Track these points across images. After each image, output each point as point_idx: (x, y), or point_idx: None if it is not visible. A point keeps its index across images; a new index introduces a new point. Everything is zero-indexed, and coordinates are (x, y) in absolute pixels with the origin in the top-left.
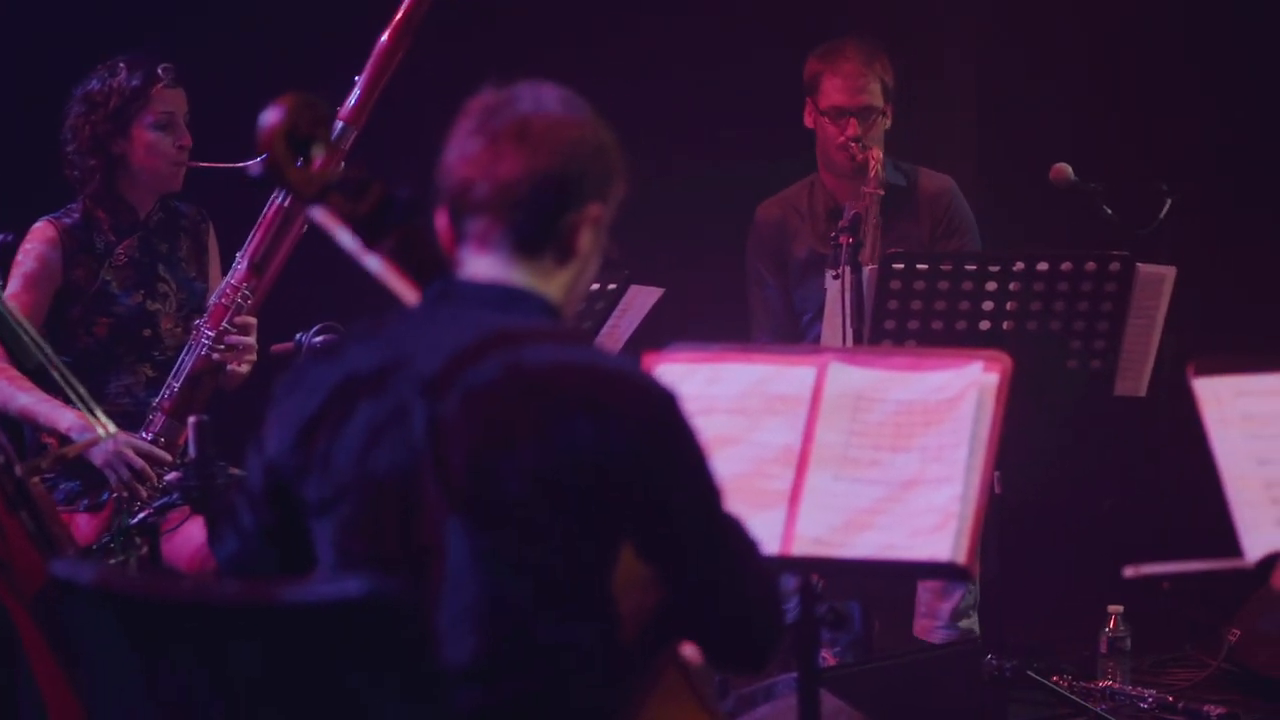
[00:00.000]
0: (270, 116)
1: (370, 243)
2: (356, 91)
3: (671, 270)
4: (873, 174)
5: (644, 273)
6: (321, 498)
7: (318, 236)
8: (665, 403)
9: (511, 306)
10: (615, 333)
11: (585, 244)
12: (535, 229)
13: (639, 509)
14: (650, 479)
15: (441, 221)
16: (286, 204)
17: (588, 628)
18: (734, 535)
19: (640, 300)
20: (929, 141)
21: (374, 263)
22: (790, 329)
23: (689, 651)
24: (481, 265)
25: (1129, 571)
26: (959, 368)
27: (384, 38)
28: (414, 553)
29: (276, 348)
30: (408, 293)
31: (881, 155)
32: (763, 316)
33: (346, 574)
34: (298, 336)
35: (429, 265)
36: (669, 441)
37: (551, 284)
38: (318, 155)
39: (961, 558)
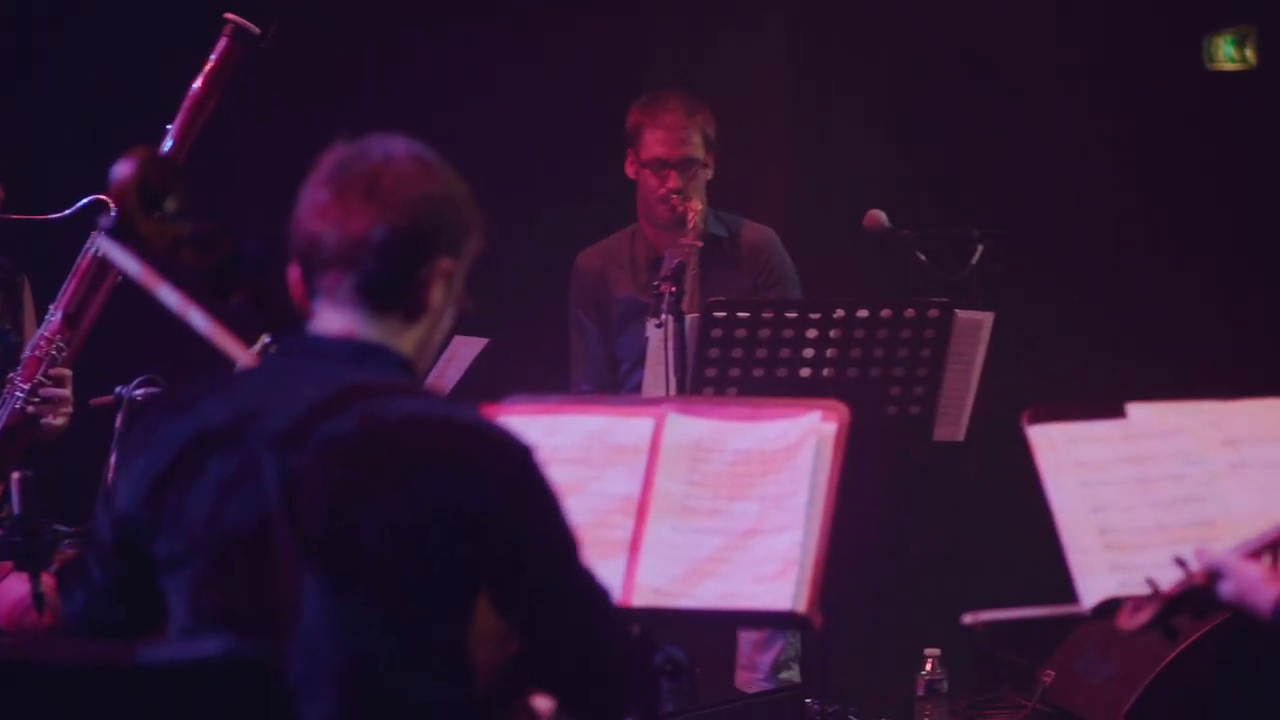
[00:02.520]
0: (122, 170)
1: (220, 296)
2: (170, 140)
3: (494, 320)
4: (691, 225)
5: (467, 323)
6: (173, 554)
7: (135, 287)
8: (522, 455)
9: (364, 361)
10: (440, 383)
11: (437, 299)
12: (385, 284)
13: (497, 562)
14: (508, 532)
15: (294, 275)
16: (99, 254)
17: (445, 683)
18: (589, 586)
19: (465, 351)
20: (741, 191)
21: (198, 319)
22: (610, 376)
23: (540, 704)
24: (333, 319)
25: (968, 618)
26: (797, 417)
27: (197, 84)
28: (268, 609)
29: (95, 401)
30: (235, 349)
31: (701, 207)
32: (583, 363)
33: (203, 633)
34: (117, 389)
35: (280, 319)
36: (526, 494)
37: (404, 339)
38: (170, 208)
39: (802, 606)
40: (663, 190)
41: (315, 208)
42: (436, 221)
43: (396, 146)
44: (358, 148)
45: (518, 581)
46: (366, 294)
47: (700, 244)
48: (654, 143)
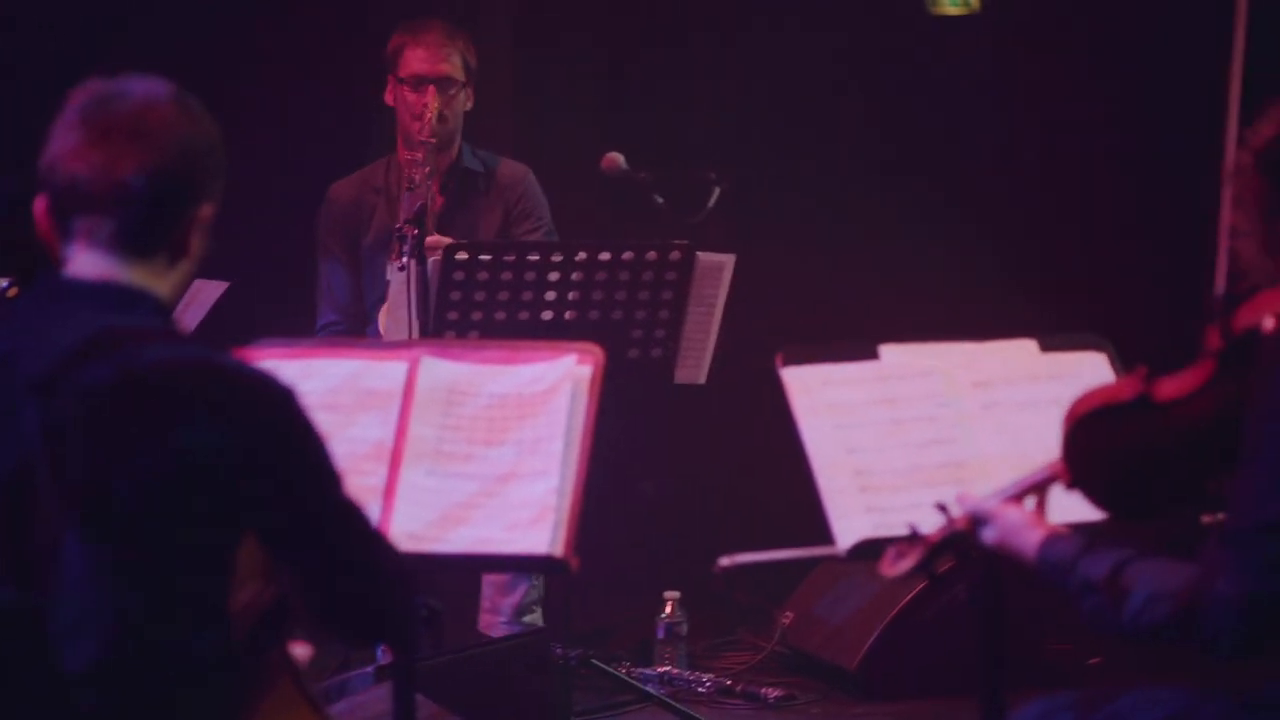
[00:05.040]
0: None
1: None
2: None
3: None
4: (427, 120)
5: (206, 266)
6: None
7: None
8: (283, 397)
9: (124, 306)
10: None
11: (196, 244)
12: (148, 229)
13: (262, 503)
14: (272, 473)
15: (42, 215)
16: None
17: (204, 632)
18: (358, 518)
19: (205, 294)
20: (469, 136)
21: None
22: (357, 310)
23: (298, 651)
24: (90, 263)
25: (724, 561)
26: (552, 360)
27: None
28: (28, 558)
29: None
30: None
31: (450, 115)
32: (331, 296)
33: None
34: None
35: (28, 260)
36: (290, 436)
37: (163, 283)
38: None
39: (559, 550)
40: (419, 107)
41: (74, 148)
42: (199, 166)
43: (158, 88)
44: (117, 87)
45: (286, 520)
46: (128, 238)
47: (434, 141)
48: (414, 60)
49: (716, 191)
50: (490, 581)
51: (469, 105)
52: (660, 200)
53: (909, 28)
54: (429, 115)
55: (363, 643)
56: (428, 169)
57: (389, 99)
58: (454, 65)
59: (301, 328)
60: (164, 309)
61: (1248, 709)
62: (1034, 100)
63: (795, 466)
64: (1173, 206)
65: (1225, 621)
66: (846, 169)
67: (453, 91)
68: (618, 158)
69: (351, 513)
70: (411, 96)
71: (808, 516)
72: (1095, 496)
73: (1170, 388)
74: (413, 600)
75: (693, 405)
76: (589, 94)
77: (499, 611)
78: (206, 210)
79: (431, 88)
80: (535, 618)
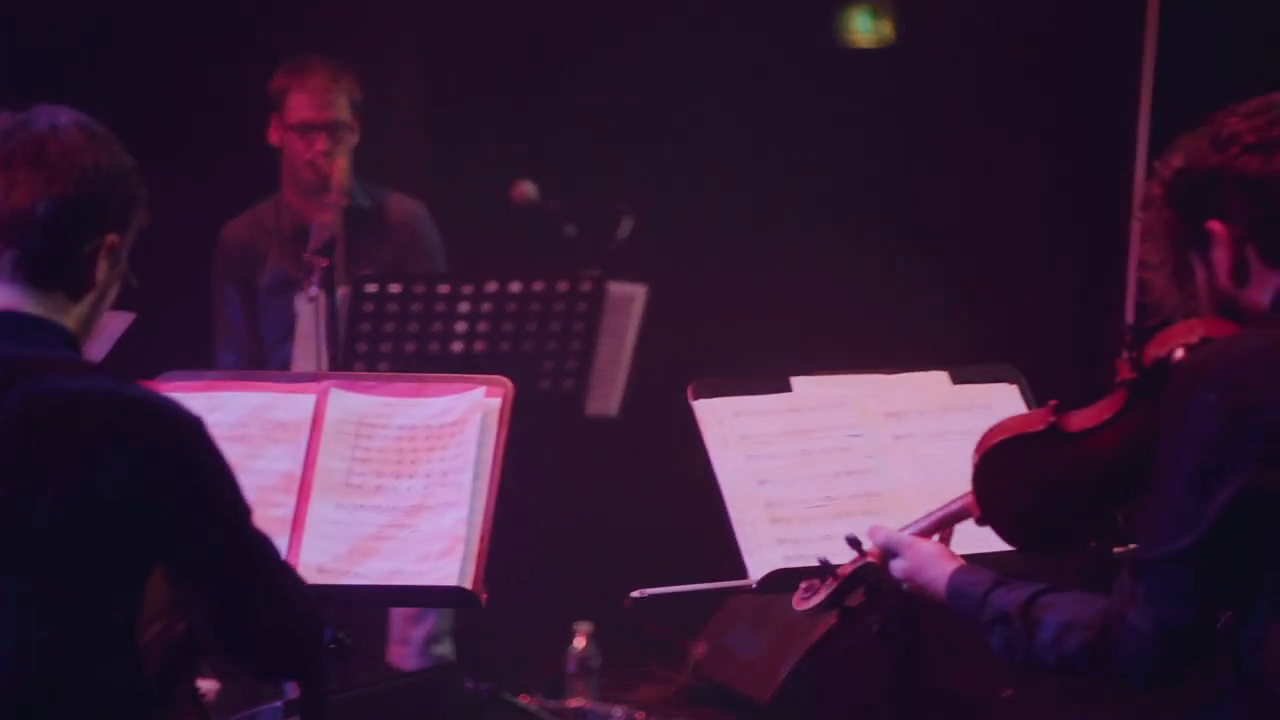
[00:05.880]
0: None
1: None
2: None
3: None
4: (336, 182)
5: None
6: None
7: None
8: (192, 428)
9: (27, 336)
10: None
11: (102, 275)
12: (50, 259)
13: (170, 536)
14: (180, 505)
15: None
16: None
17: (113, 664)
18: (266, 551)
19: (111, 326)
20: (379, 167)
21: None
22: (255, 350)
23: (206, 685)
24: None
25: (635, 594)
26: (461, 393)
27: None
28: None
29: None
30: None
31: (346, 165)
32: (226, 336)
33: None
34: None
35: None
36: (197, 466)
37: (69, 315)
38: None
39: (469, 582)
40: (309, 154)
41: None
42: (104, 195)
43: (62, 117)
44: (23, 117)
45: (193, 552)
46: (30, 268)
47: (346, 201)
48: (299, 106)
49: (627, 222)
50: (399, 612)
51: (355, 140)
52: (571, 231)
53: (823, 59)
54: (338, 178)
55: (268, 677)
56: (342, 241)
57: (274, 139)
58: (340, 108)
59: (200, 362)
60: (72, 340)
61: None
62: (945, 134)
63: (708, 498)
64: (1084, 239)
65: (1138, 652)
66: (759, 200)
67: (340, 134)
68: (528, 188)
69: (259, 545)
70: (299, 144)
71: (721, 548)
72: (1005, 528)
73: (1080, 419)
74: (320, 634)
75: (605, 437)
76: (499, 125)
77: (408, 642)
78: (112, 239)
79: (322, 134)
80: (445, 648)
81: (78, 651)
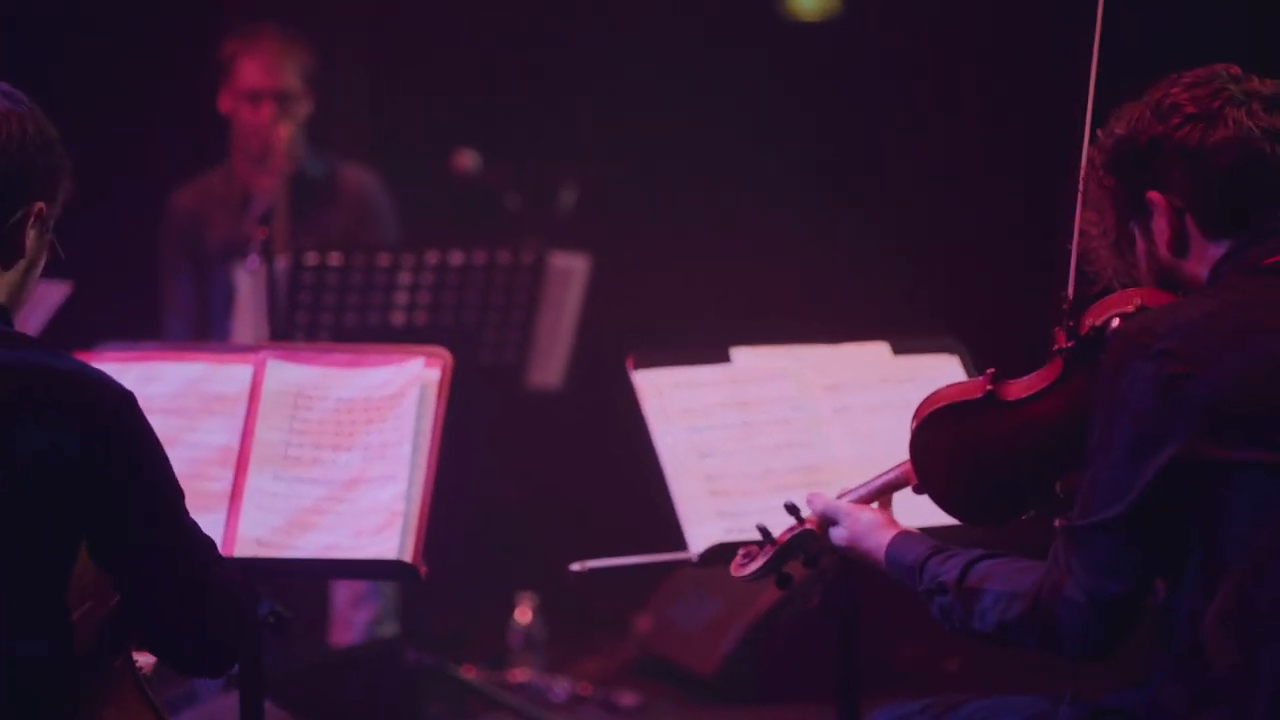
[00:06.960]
0: None
1: None
2: None
3: (78, 266)
4: (277, 149)
5: (49, 268)
6: None
7: None
8: (121, 403)
9: None
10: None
11: (31, 243)
12: None
13: (96, 512)
14: (107, 481)
15: None
16: None
17: (44, 640)
18: (191, 535)
19: (47, 297)
20: (320, 136)
21: None
22: (203, 319)
23: (143, 659)
24: None
25: (575, 567)
26: (400, 364)
27: None
28: None
29: None
30: None
31: (289, 133)
32: (175, 306)
33: None
34: None
35: None
36: (126, 442)
37: None
38: None
39: (408, 555)
40: (256, 121)
41: None
42: (30, 163)
43: None
44: None
45: (118, 531)
46: None
47: (290, 169)
48: (249, 72)
49: (569, 193)
50: (342, 597)
51: (308, 110)
52: (513, 201)
53: (767, 31)
54: (279, 145)
55: (192, 674)
56: (285, 207)
57: (224, 106)
58: (291, 76)
59: (148, 331)
60: (2, 311)
61: (1097, 715)
62: (889, 103)
63: (651, 470)
64: (1026, 207)
65: (1074, 622)
66: (702, 170)
67: (289, 103)
68: (469, 158)
69: (187, 529)
70: (248, 112)
71: (664, 520)
72: (942, 497)
73: (1018, 388)
74: (240, 625)
75: (548, 409)
76: (443, 95)
77: (352, 625)
78: (40, 208)
79: (271, 102)
80: (390, 630)
81: (7, 626)
